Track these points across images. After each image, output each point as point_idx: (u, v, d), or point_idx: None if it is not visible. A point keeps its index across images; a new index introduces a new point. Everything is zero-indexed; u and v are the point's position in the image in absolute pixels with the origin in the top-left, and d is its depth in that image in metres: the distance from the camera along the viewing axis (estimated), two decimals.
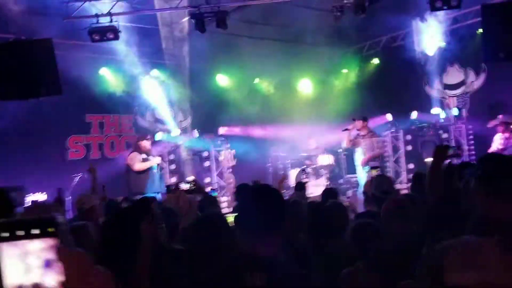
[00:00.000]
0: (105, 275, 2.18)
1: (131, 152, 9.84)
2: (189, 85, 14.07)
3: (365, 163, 10.49)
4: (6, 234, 0.80)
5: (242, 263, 2.30)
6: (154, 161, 9.66)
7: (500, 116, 10.56)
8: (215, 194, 6.52)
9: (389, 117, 13.73)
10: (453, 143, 12.30)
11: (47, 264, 0.82)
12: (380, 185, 4.94)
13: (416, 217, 3.68)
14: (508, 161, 2.77)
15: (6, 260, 0.80)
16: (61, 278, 0.82)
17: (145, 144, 9.79)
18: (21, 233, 0.80)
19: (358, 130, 10.60)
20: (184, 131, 14.22)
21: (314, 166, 13.26)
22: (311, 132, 13.96)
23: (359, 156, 10.79)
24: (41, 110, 10.95)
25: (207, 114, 13.99)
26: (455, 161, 8.74)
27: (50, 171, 11.28)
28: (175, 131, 13.84)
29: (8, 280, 0.81)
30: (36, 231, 0.81)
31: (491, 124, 10.51)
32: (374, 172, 7.40)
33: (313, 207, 4.72)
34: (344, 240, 3.64)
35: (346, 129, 10.66)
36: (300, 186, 7.50)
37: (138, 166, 9.48)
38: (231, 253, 2.49)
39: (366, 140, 10.62)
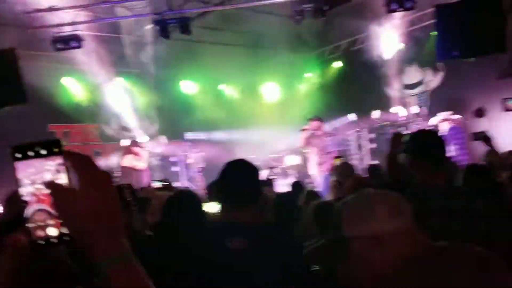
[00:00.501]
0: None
1: None
2: (154, 92, 14.10)
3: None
4: (19, 155, 0.95)
5: (224, 230, 2.46)
6: None
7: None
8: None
9: (352, 117, 14.03)
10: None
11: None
12: (344, 172, 5.08)
13: None
14: (432, 134, 3.16)
15: (20, 175, 0.96)
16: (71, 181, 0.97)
17: None
18: (31, 153, 0.95)
19: (313, 130, 10.69)
20: (151, 137, 14.30)
21: (282, 166, 13.46)
22: (277, 134, 14.12)
23: (313, 156, 10.94)
24: (2, 121, 10.84)
25: (173, 120, 14.07)
26: None
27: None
28: (142, 138, 13.87)
29: (24, 189, 0.97)
30: (44, 152, 0.96)
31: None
32: (338, 161, 7.44)
33: (281, 196, 4.92)
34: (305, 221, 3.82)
35: (303, 129, 10.82)
36: (268, 182, 7.68)
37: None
38: (212, 222, 2.66)
39: (319, 140, 10.73)
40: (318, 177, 10.51)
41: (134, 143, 10.77)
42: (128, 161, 9.38)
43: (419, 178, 2.97)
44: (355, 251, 1.67)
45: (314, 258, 2.58)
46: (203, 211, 3.12)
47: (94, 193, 0.97)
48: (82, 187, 0.97)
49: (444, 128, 11.43)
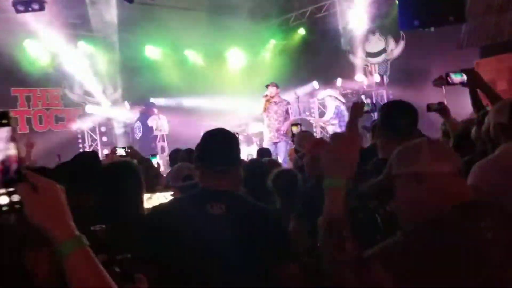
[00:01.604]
0: None
1: None
2: (118, 56, 13.85)
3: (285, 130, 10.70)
4: None
5: (204, 196, 2.50)
6: None
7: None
8: (154, 158, 6.54)
9: (315, 84, 14.09)
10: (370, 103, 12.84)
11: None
12: (301, 141, 5.05)
13: None
14: (400, 105, 3.13)
15: None
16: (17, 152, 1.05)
17: None
18: None
19: (271, 96, 10.63)
20: (114, 103, 14.12)
21: (246, 134, 13.47)
22: (241, 101, 14.11)
23: (271, 122, 10.86)
24: None
25: (137, 85, 13.81)
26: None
27: None
28: (105, 104, 13.73)
29: None
30: None
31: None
32: (295, 129, 7.12)
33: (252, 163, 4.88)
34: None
35: (266, 95, 10.72)
36: None
37: None
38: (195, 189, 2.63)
39: (276, 106, 10.69)
40: (276, 144, 10.60)
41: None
42: None
43: (384, 151, 2.95)
44: (399, 189, 1.77)
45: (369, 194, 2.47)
46: (140, 185, 2.99)
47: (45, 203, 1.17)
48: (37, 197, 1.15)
49: (330, 105, 11.68)
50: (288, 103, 10.92)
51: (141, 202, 2.98)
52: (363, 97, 13.34)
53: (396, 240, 1.69)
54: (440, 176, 1.70)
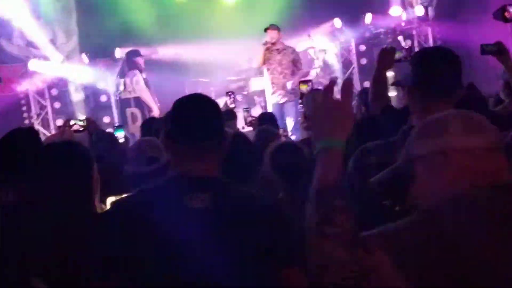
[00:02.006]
0: None
1: None
2: None
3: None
4: None
5: (180, 185, 2.51)
6: None
7: None
8: (119, 131, 6.58)
9: (337, 23, 13.92)
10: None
11: None
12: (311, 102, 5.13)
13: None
14: (440, 53, 3.19)
15: None
16: None
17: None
18: None
19: (272, 43, 10.72)
20: (68, 56, 14.03)
21: (246, 92, 13.45)
22: (237, 49, 14.02)
23: (267, 76, 11.13)
24: None
25: (98, 33, 13.72)
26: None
27: None
28: (56, 58, 13.74)
29: None
30: None
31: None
32: (304, 88, 7.24)
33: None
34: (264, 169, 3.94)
35: (266, 42, 10.79)
36: (229, 114, 7.65)
37: None
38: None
39: (278, 55, 10.77)
40: (283, 106, 10.71)
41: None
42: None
43: (416, 116, 3.00)
44: (422, 173, 1.86)
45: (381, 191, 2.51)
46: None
47: None
48: None
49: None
50: (295, 51, 11.02)
51: (92, 199, 3.00)
52: (400, 38, 13.36)
53: (406, 221, 1.78)
54: (472, 151, 1.78)
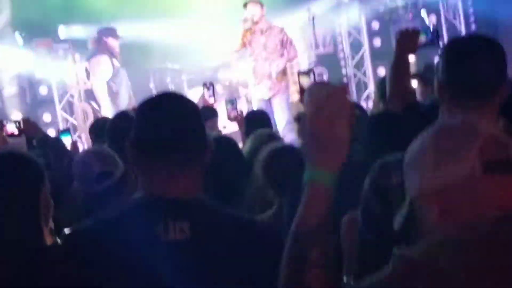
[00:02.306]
0: None
1: None
2: None
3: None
4: None
5: (151, 210, 2.48)
6: None
7: None
8: (66, 135, 6.56)
9: None
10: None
11: None
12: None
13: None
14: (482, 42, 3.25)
15: None
16: None
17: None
18: None
19: (255, 22, 10.63)
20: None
21: (227, 82, 13.45)
22: (216, 28, 13.88)
23: (252, 64, 11.00)
24: None
25: (36, 6, 13.59)
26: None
27: None
28: None
29: None
30: None
31: None
32: (305, 81, 7.06)
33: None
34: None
35: (245, 21, 10.72)
36: (208, 113, 7.73)
37: None
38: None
39: (262, 37, 10.70)
40: (270, 102, 10.64)
41: None
42: None
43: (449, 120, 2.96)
44: (430, 216, 1.87)
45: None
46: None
47: None
48: None
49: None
50: (283, 30, 10.92)
51: (41, 229, 2.92)
52: (423, 11, 13.30)
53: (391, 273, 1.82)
54: (455, 189, 1.81)
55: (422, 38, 4.62)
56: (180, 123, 2.55)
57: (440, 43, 5.81)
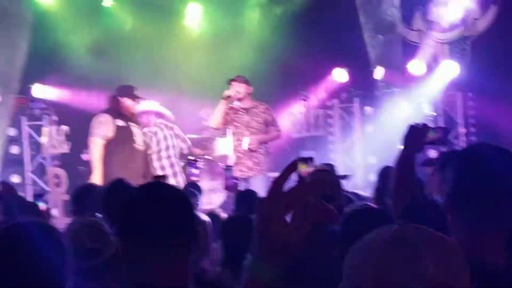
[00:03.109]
0: None
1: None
2: None
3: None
4: None
5: None
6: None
7: None
8: (40, 203, 6.40)
9: (341, 75, 14.00)
10: (438, 122, 12.63)
11: None
12: (317, 189, 4.96)
13: None
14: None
15: None
16: None
17: (129, 104, 10.16)
18: None
19: (238, 99, 10.78)
20: None
21: (209, 157, 13.07)
22: (204, 96, 13.79)
23: (234, 143, 10.92)
24: None
25: (11, 61, 13.46)
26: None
27: None
28: None
29: None
30: None
31: None
32: (304, 168, 7.06)
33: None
34: None
35: (228, 97, 10.72)
36: (193, 190, 7.65)
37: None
38: None
39: (246, 116, 10.82)
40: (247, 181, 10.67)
41: None
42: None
43: (457, 236, 2.77)
44: None
45: None
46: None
47: None
48: None
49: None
50: (269, 109, 11.07)
51: None
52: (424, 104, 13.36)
53: None
54: None
55: (431, 135, 4.65)
56: (163, 212, 2.66)
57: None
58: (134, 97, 10.21)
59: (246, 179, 10.58)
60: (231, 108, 10.74)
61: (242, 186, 9.97)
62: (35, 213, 6.10)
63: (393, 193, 4.30)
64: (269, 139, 11.11)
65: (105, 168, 9.71)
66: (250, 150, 10.64)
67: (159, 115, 11.27)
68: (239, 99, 10.72)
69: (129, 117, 10.09)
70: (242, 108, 10.80)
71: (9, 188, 6.27)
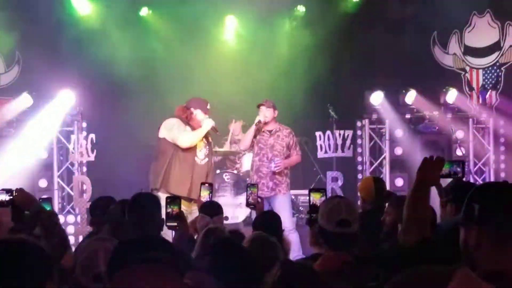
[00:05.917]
0: None
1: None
2: (18, 14, 14.11)
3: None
4: None
5: None
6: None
7: None
8: (47, 207, 6.38)
9: (377, 97, 13.99)
10: (458, 152, 13.09)
11: None
12: (334, 214, 4.98)
13: None
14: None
15: None
16: None
17: (200, 117, 10.35)
18: None
19: (265, 123, 11.16)
20: (7, 91, 14.13)
21: (235, 171, 13.52)
22: (233, 108, 14.25)
23: (257, 163, 11.32)
24: None
25: (48, 64, 13.85)
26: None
27: None
28: None
29: None
30: None
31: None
32: (316, 198, 7.01)
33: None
34: None
35: (259, 122, 11.15)
36: (213, 208, 7.66)
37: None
38: None
39: (271, 138, 11.24)
40: (269, 200, 10.90)
41: None
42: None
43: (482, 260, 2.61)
44: None
45: None
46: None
47: None
48: None
49: None
50: (291, 134, 11.39)
51: None
52: (452, 128, 13.55)
53: None
54: None
55: (446, 167, 4.70)
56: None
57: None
58: (206, 112, 10.35)
59: (268, 198, 10.83)
60: (258, 129, 11.12)
61: (265, 206, 9.76)
62: (51, 223, 5.51)
63: (404, 225, 4.23)
64: (293, 163, 11.47)
65: (164, 173, 10.01)
66: (273, 172, 10.97)
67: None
68: (266, 123, 11.09)
69: (196, 129, 10.22)
70: (267, 131, 11.19)
71: (26, 195, 6.22)
